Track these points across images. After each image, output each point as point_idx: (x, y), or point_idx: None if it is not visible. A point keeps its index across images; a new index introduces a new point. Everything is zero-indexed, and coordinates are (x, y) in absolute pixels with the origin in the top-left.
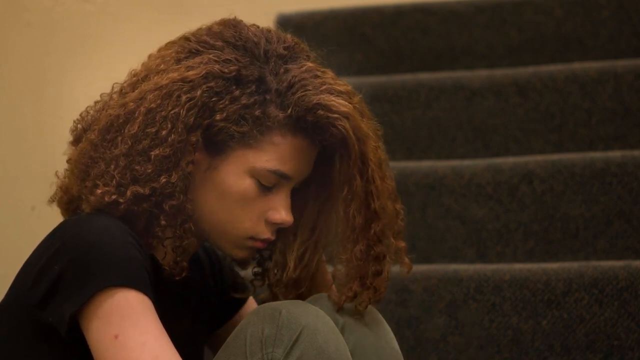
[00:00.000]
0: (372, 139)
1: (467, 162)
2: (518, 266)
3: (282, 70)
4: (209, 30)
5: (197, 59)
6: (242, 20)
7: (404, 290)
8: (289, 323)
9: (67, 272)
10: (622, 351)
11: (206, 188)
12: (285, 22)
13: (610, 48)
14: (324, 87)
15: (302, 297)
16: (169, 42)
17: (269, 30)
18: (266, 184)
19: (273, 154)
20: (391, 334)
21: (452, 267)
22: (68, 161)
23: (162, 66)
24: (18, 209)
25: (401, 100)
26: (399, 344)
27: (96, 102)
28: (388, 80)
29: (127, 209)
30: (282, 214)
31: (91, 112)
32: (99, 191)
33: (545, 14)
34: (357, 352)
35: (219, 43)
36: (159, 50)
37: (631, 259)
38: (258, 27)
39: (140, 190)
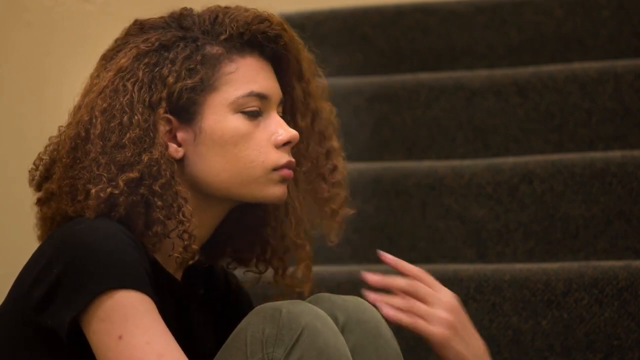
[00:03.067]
0: (303, 45)
1: (467, 162)
2: (518, 266)
3: (195, 19)
4: (116, 39)
5: (120, 54)
6: (138, 18)
7: None
8: (290, 323)
9: (65, 276)
10: (622, 351)
11: (204, 154)
12: None
13: (610, 48)
14: (243, 7)
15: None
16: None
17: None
18: (251, 113)
19: (237, 82)
20: (391, 334)
21: (452, 267)
22: (37, 203)
23: (95, 80)
24: (18, 209)
25: (401, 100)
26: (399, 344)
27: (46, 147)
28: (388, 80)
29: (126, 202)
30: (284, 131)
31: (44, 156)
32: (93, 192)
33: (545, 14)
34: (357, 352)
35: (129, 37)
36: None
37: (631, 259)
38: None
39: (131, 175)
